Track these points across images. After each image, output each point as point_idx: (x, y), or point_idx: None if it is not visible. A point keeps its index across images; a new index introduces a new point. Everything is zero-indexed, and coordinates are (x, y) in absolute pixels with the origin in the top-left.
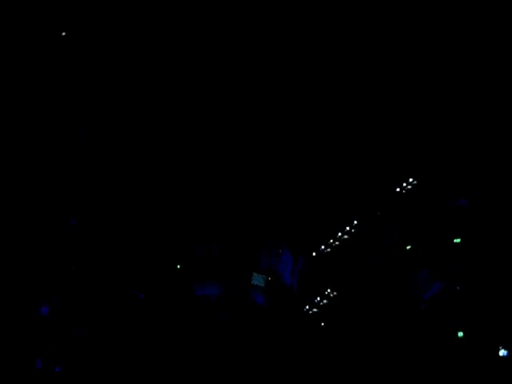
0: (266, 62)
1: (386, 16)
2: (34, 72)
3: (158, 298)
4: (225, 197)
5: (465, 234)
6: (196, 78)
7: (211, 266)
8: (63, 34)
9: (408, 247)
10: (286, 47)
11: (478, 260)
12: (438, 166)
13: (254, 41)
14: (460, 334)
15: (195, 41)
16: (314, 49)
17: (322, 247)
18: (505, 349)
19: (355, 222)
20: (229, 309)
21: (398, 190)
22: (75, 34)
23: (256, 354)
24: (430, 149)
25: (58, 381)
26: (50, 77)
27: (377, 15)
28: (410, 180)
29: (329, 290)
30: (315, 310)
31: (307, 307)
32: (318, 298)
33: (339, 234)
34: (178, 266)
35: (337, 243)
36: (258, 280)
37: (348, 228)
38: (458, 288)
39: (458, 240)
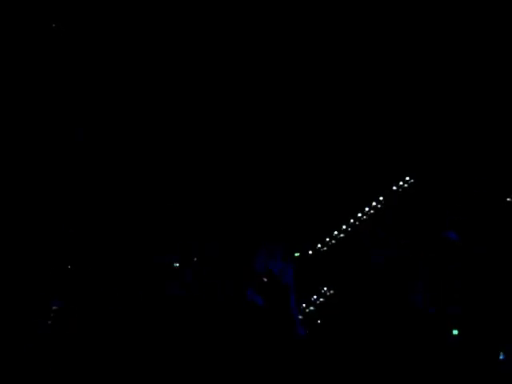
0: (266, 62)
1: (386, 16)
2: (34, 72)
3: (157, 297)
4: (223, 197)
5: (464, 234)
6: (196, 78)
7: (211, 266)
8: (63, 34)
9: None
10: (286, 47)
11: (478, 260)
12: (437, 166)
13: (254, 41)
14: (455, 331)
15: (195, 41)
16: (313, 48)
17: (319, 246)
18: (503, 351)
19: (351, 221)
20: (226, 309)
21: (394, 188)
22: (75, 34)
23: (254, 353)
24: (430, 148)
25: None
26: (50, 77)
27: (377, 15)
28: (407, 178)
29: (325, 289)
30: (312, 308)
31: (304, 305)
32: (315, 297)
33: (335, 232)
34: (177, 265)
35: (333, 242)
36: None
37: (344, 227)
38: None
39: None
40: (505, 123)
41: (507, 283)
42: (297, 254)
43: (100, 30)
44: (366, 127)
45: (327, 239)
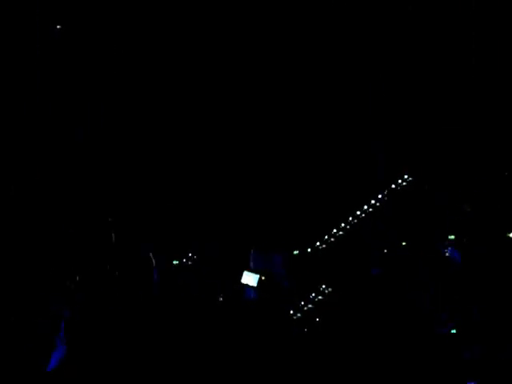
0: (265, 63)
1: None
2: (34, 72)
3: (157, 297)
4: (223, 197)
5: (465, 234)
6: (195, 79)
7: (211, 266)
8: (63, 34)
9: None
10: (285, 47)
11: (479, 260)
12: (436, 165)
13: (253, 41)
14: (453, 330)
15: (195, 41)
16: (313, 48)
17: (318, 244)
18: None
19: (350, 219)
20: (224, 308)
21: (393, 186)
22: (75, 34)
23: (254, 352)
24: (428, 147)
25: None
26: (50, 77)
27: (376, 16)
28: (406, 177)
29: (324, 286)
30: (310, 305)
31: (302, 303)
32: (313, 294)
33: (334, 230)
34: (176, 262)
35: (332, 240)
36: (249, 279)
37: (343, 224)
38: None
39: (451, 237)
40: (505, 122)
41: (507, 283)
42: (295, 252)
43: (100, 30)
44: (365, 126)
45: (326, 237)
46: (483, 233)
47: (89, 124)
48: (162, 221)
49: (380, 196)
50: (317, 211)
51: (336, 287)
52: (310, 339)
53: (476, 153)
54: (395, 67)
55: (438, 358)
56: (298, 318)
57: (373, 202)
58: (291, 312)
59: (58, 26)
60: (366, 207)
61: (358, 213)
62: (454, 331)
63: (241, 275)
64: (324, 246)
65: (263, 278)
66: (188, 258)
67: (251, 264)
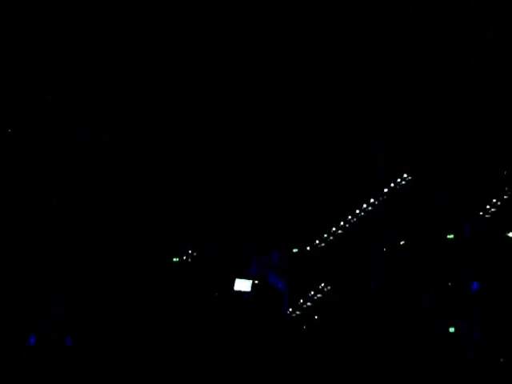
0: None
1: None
2: (34, 73)
3: (157, 297)
4: (223, 197)
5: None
6: (195, 79)
7: (211, 266)
8: (63, 34)
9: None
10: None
11: (478, 260)
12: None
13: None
14: (451, 329)
15: (195, 42)
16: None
17: (317, 242)
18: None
19: (349, 217)
20: (225, 308)
21: (392, 185)
22: (76, 34)
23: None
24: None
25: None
26: (51, 77)
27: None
28: (405, 175)
29: (322, 284)
30: (309, 303)
31: (301, 301)
32: (312, 292)
33: (333, 228)
34: (176, 259)
35: (331, 238)
36: (242, 285)
37: (342, 223)
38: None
39: (451, 236)
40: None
41: (507, 283)
42: (295, 250)
43: (100, 30)
44: (365, 126)
45: (325, 235)
46: (483, 233)
47: (89, 124)
48: (162, 221)
49: (379, 195)
50: (316, 210)
51: (335, 285)
52: (308, 337)
53: (476, 153)
54: (395, 67)
55: (438, 357)
56: (297, 315)
57: (372, 200)
58: (290, 310)
59: (58, 27)
60: (365, 205)
61: (358, 211)
62: (452, 330)
63: (233, 283)
64: (323, 244)
65: (256, 281)
66: (187, 256)
67: (252, 269)
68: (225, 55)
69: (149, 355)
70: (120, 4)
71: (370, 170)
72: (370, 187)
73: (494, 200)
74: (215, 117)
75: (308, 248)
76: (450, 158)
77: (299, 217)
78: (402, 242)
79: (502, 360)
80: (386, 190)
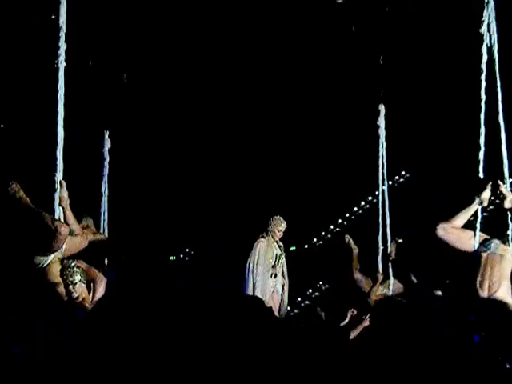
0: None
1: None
2: (34, 72)
3: (157, 297)
4: (223, 197)
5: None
6: (195, 79)
7: (211, 266)
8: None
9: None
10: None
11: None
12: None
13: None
14: (453, 330)
15: (195, 43)
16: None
17: (315, 240)
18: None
19: (347, 215)
20: (225, 308)
21: (390, 183)
22: (76, 34)
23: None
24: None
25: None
26: (51, 77)
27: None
28: (403, 173)
29: (320, 283)
30: (307, 302)
31: (299, 299)
32: (310, 291)
33: (331, 226)
34: (173, 258)
35: (329, 236)
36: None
37: (340, 221)
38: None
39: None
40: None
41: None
42: (292, 248)
43: (100, 30)
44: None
45: (323, 233)
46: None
47: (89, 124)
48: (162, 221)
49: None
50: (315, 208)
51: (333, 284)
52: (308, 337)
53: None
54: (395, 67)
55: (438, 357)
56: (295, 314)
57: (370, 198)
58: (288, 309)
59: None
60: (363, 203)
61: (356, 209)
62: (452, 330)
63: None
64: (321, 242)
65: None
66: (186, 255)
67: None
68: (225, 55)
69: (149, 355)
70: (120, 4)
71: (370, 169)
72: (369, 186)
73: (494, 199)
74: (215, 117)
75: (306, 246)
76: (450, 157)
77: (298, 216)
78: (400, 241)
79: (501, 360)
80: (384, 189)
